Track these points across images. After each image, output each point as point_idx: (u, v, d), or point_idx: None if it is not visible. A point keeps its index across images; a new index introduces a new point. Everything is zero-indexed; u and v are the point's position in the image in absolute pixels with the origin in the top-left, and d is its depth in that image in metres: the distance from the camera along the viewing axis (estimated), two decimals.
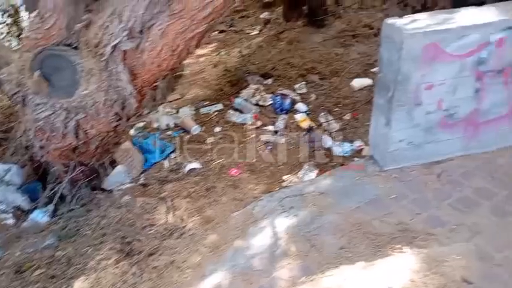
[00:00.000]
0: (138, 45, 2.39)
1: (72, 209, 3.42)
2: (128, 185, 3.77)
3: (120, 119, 2.62)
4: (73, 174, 3.00)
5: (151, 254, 2.85)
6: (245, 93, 4.96)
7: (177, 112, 4.91)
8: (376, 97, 3.06)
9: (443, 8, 5.17)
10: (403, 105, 2.81)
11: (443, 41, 2.61)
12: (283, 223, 2.84)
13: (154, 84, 2.58)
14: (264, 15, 8.33)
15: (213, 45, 7.67)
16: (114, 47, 2.32)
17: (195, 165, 3.95)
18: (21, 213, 3.40)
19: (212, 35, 8.36)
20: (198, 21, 2.29)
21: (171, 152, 4.23)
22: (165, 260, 2.75)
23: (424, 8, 5.26)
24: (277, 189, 3.54)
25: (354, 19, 5.52)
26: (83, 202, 3.50)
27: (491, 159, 3.12)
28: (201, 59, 6.92)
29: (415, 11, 5.28)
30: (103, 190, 3.75)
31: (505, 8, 2.82)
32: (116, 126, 2.66)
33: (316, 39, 5.67)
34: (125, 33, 2.31)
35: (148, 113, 2.90)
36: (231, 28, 8.61)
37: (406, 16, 2.76)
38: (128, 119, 2.68)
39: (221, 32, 8.46)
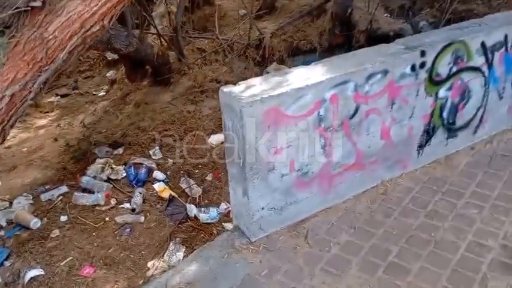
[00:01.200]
0: None
1: None
2: None
3: None
4: None
5: None
6: (93, 168, 4.41)
7: (10, 205, 4.15)
8: (228, 166, 2.87)
9: (280, 58, 5.41)
10: (257, 172, 2.65)
11: (282, 104, 2.53)
12: None
13: None
14: (110, 74, 7.84)
15: (55, 113, 6.92)
16: None
17: (36, 272, 3.29)
18: None
19: (53, 100, 7.62)
20: None
21: (5, 259, 3.48)
22: None
23: (263, 59, 5.40)
24: (140, 283, 3.10)
25: (200, 74, 5.41)
26: None
27: (350, 208, 3.14)
28: (40, 132, 6.15)
29: (255, 62, 5.39)
30: None
31: (335, 63, 2.89)
32: None
33: (164, 98, 5.41)
34: None
35: None
36: (74, 91, 7.91)
37: (240, 83, 2.64)
38: None
39: (64, 96, 7.72)
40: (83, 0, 1.71)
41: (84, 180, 4.29)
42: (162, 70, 5.51)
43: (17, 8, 1.58)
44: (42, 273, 3.29)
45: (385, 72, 2.89)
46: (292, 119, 2.62)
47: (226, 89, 2.60)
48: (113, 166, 4.45)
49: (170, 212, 3.93)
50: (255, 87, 2.61)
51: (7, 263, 3.45)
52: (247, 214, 2.83)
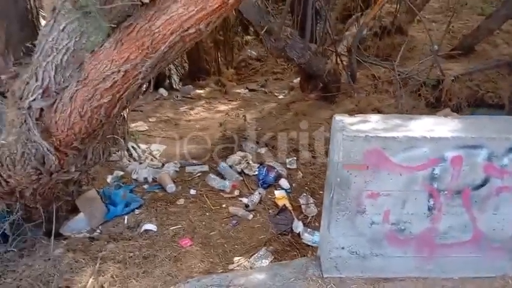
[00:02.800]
0: (54, 105, 2.35)
1: (9, 251, 3.34)
2: (76, 236, 3.67)
3: (40, 174, 2.55)
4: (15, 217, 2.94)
5: None
6: (232, 159, 4.80)
7: (162, 166, 4.84)
8: (324, 196, 2.79)
9: (457, 105, 4.87)
10: (344, 210, 2.52)
11: (388, 148, 2.34)
12: None
13: (73, 146, 2.50)
14: (296, 81, 8.30)
15: (237, 103, 7.69)
16: (30, 103, 2.30)
17: (151, 226, 3.80)
18: None
19: (241, 92, 8.48)
20: (101, 91, 2.23)
21: (137, 208, 4.10)
22: None
23: (438, 101, 4.95)
24: (219, 271, 3.29)
25: (364, 101, 5.29)
26: (23, 246, 3.41)
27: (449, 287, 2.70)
28: (217, 115, 6.93)
29: (427, 103, 4.99)
30: (60, 235, 3.67)
31: (469, 122, 2.51)
32: (38, 180, 2.59)
33: (323, 115, 5.47)
34: (40, 91, 2.30)
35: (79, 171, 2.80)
36: (261, 88, 8.64)
37: (357, 115, 2.53)
38: (51, 174, 2.60)
39: (251, 90, 8.52)
40: (183, 4, 1.94)
41: (221, 166, 4.69)
42: (330, 87, 5.59)
43: (132, 1, 1.91)
44: (154, 229, 3.77)
45: None
46: (397, 167, 2.40)
47: (338, 117, 2.54)
48: (250, 162, 4.75)
49: (277, 220, 4.00)
50: (369, 123, 2.47)
51: (137, 211, 4.05)
52: (326, 248, 2.71)
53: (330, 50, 5.69)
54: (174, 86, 8.76)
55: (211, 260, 3.46)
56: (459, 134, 2.36)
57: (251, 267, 3.40)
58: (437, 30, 6.47)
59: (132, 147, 5.07)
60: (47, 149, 2.39)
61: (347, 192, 2.48)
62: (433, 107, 5.15)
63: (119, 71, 2.09)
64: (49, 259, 3.24)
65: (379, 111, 5.25)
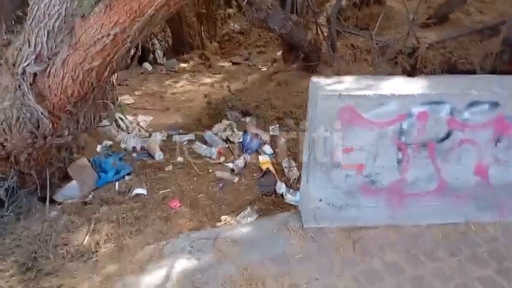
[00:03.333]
0: (47, 70, 2.48)
1: (5, 215, 3.49)
2: (70, 201, 3.83)
3: (36, 137, 2.70)
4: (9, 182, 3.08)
5: (48, 274, 2.86)
6: (217, 127, 4.98)
7: (149, 136, 5.00)
8: (303, 153, 3.00)
9: (432, 72, 5.09)
10: (321, 165, 2.74)
11: (360, 106, 2.55)
12: (181, 266, 2.81)
13: (66, 109, 2.65)
14: (279, 54, 8.44)
15: (221, 76, 7.82)
16: (24, 68, 2.43)
17: (141, 190, 3.97)
18: None
19: (225, 65, 8.61)
20: (92, 55, 2.37)
21: (126, 174, 4.27)
22: (56, 282, 2.76)
23: (414, 68, 5.17)
24: (208, 227, 3.51)
25: (344, 70, 5.47)
26: (19, 211, 3.57)
27: (416, 234, 2.96)
28: (201, 88, 7.06)
29: (403, 70, 5.20)
30: (54, 202, 3.83)
31: (435, 81, 2.73)
32: (33, 143, 2.74)
33: (304, 84, 5.64)
34: (33, 56, 2.43)
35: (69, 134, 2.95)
36: (245, 61, 8.78)
37: (333, 76, 2.73)
38: (45, 138, 2.75)
39: (235, 63, 8.65)
40: None
41: (207, 134, 4.87)
42: (311, 57, 5.75)
43: None
44: (145, 193, 3.95)
45: (495, 105, 2.60)
46: (368, 123, 2.62)
47: (315, 78, 2.73)
48: (234, 130, 4.94)
49: (261, 182, 4.21)
50: (343, 83, 2.68)
51: (127, 178, 4.22)
52: (306, 201, 2.94)
53: (311, 21, 5.83)
54: (159, 61, 8.85)
55: (199, 219, 3.67)
56: (424, 91, 2.58)
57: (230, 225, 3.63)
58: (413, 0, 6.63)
59: (120, 118, 5.20)
60: (41, 112, 2.53)
61: (323, 148, 2.69)
62: (410, 75, 5.36)
63: (108, 34, 2.23)
64: (45, 221, 3.41)
65: None
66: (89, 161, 4.21)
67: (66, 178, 3.98)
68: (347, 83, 2.68)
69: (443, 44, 5.23)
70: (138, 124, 5.38)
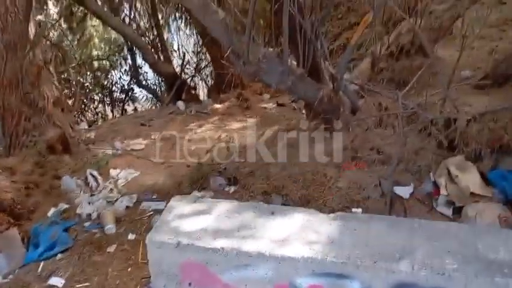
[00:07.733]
0: None
1: None
2: None
3: None
4: None
5: None
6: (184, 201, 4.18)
7: (115, 201, 4.39)
8: None
9: (476, 152, 3.75)
10: None
11: (212, 264, 1.57)
12: None
13: None
14: None
15: (254, 120, 7.02)
16: None
17: (56, 281, 3.35)
18: None
19: (268, 106, 7.81)
20: None
21: (62, 251, 3.69)
22: None
23: (451, 145, 3.87)
24: None
25: (362, 137, 4.33)
26: None
27: None
28: (223, 136, 6.25)
29: (438, 145, 3.95)
30: None
31: (345, 227, 1.62)
32: None
33: (317, 148, 4.60)
34: None
35: None
36: (292, 103, 7.80)
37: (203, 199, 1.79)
38: None
39: (280, 105, 7.77)
40: None
41: None
42: (328, 117, 4.69)
43: None
44: (61, 285, 3.31)
45: None
46: None
47: (174, 201, 1.81)
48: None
49: None
50: (205, 217, 1.71)
51: (59, 256, 3.62)
52: None
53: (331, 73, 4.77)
54: (201, 98, 8.38)
55: None
56: (322, 251, 1.50)
57: None
58: (477, 50, 5.27)
59: (91, 174, 4.68)
60: None
61: None
62: (447, 151, 4.04)
63: None
64: None
65: (378, 151, 4.26)
66: (20, 233, 3.73)
67: None
68: (213, 216, 1.71)
69: (494, 116, 3.83)
70: (116, 182, 4.82)
